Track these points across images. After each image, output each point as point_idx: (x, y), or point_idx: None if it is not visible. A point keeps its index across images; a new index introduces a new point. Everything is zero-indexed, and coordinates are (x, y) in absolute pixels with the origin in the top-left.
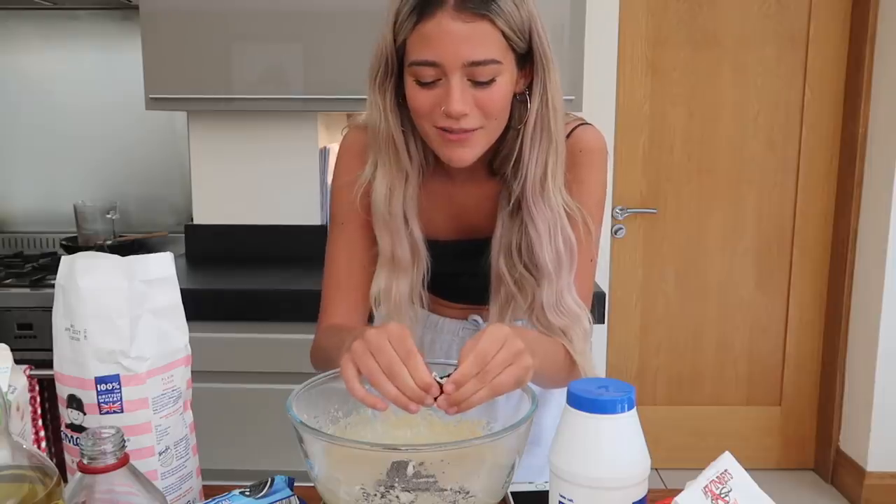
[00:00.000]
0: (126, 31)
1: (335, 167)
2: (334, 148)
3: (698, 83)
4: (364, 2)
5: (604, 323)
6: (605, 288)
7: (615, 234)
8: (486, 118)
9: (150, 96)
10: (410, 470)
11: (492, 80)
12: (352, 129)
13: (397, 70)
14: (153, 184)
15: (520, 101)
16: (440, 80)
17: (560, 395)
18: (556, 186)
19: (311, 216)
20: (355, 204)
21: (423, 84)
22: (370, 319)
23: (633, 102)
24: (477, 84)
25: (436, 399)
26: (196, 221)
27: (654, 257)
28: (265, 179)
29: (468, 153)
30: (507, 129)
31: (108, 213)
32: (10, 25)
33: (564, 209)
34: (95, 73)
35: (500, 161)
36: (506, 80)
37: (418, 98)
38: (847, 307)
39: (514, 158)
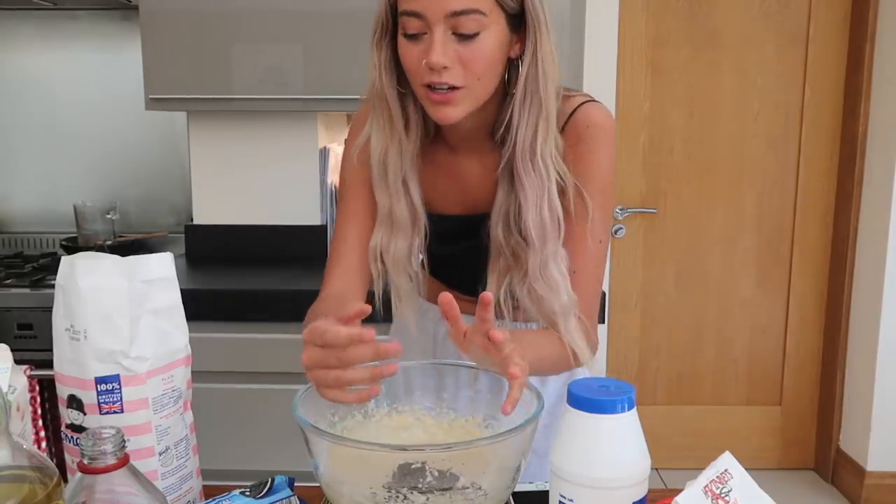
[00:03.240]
0: (126, 31)
1: (348, 133)
2: (334, 148)
3: (698, 83)
4: (364, 2)
5: (604, 323)
6: (605, 288)
7: (615, 234)
8: (469, 76)
9: (150, 96)
10: (428, 475)
11: (476, 35)
12: (365, 99)
13: (392, 27)
14: (153, 184)
15: (516, 68)
16: (426, 34)
17: None
18: (547, 154)
19: (311, 216)
20: (358, 168)
21: (409, 37)
22: (381, 298)
23: (633, 102)
24: (461, 39)
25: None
26: (196, 221)
27: (654, 257)
28: (265, 179)
29: (452, 112)
30: (506, 95)
31: (108, 214)
32: (10, 25)
33: (557, 180)
34: (95, 73)
35: (498, 129)
36: (491, 37)
37: (406, 53)
38: (847, 307)
39: (506, 124)
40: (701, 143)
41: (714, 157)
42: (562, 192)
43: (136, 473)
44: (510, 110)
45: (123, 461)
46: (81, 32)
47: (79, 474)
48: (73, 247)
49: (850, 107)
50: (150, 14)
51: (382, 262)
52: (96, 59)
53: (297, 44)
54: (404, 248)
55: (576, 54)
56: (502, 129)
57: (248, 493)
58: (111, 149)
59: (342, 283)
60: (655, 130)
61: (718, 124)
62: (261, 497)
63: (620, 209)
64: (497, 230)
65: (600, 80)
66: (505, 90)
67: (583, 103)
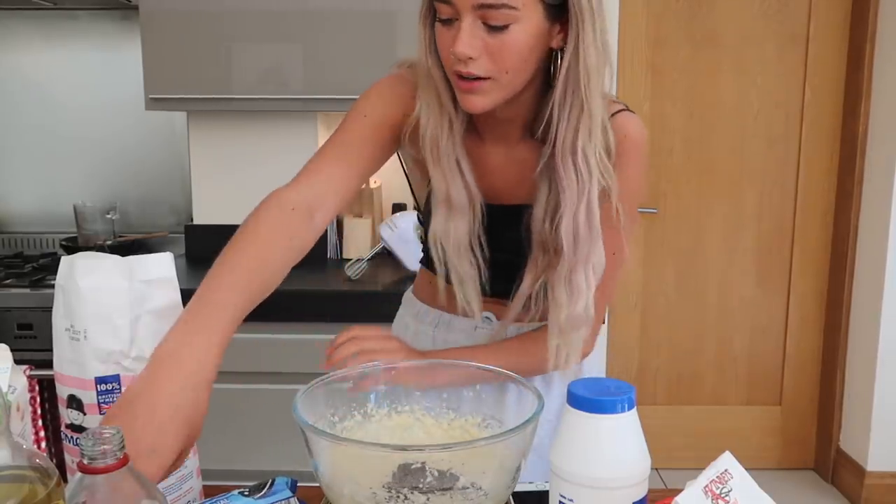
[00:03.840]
0: (126, 31)
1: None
2: None
3: (698, 83)
4: (364, 2)
5: (604, 323)
6: None
7: None
8: (496, 68)
9: (150, 96)
10: (429, 475)
11: (505, 27)
12: (401, 64)
13: (435, 8)
14: (153, 184)
15: (559, 59)
16: (457, 19)
17: None
18: (591, 154)
19: None
20: (369, 118)
21: (442, 22)
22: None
23: (633, 102)
24: (490, 29)
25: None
26: (196, 221)
27: (654, 257)
28: (265, 179)
29: (479, 101)
30: (548, 88)
31: (108, 214)
32: (10, 25)
33: (599, 184)
34: (95, 73)
35: (539, 125)
36: (523, 30)
37: (439, 37)
38: (847, 306)
39: (546, 120)
40: (701, 143)
41: (714, 157)
42: (606, 197)
43: (136, 473)
44: (550, 105)
45: (123, 461)
46: (81, 32)
47: (79, 474)
48: (73, 247)
49: (850, 106)
50: (150, 14)
51: (442, 247)
52: (96, 60)
53: (297, 44)
54: (464, 232)
55: None
56: (543, 124)
57: (247, 494)
58: (111, 149)
59: (313, 194)
60: (655, 131)
61: (718, 124)
62: (260, 497)
63: None
64: (544, 226)
65: None
66: (548, 82)
67: (619, 111)
